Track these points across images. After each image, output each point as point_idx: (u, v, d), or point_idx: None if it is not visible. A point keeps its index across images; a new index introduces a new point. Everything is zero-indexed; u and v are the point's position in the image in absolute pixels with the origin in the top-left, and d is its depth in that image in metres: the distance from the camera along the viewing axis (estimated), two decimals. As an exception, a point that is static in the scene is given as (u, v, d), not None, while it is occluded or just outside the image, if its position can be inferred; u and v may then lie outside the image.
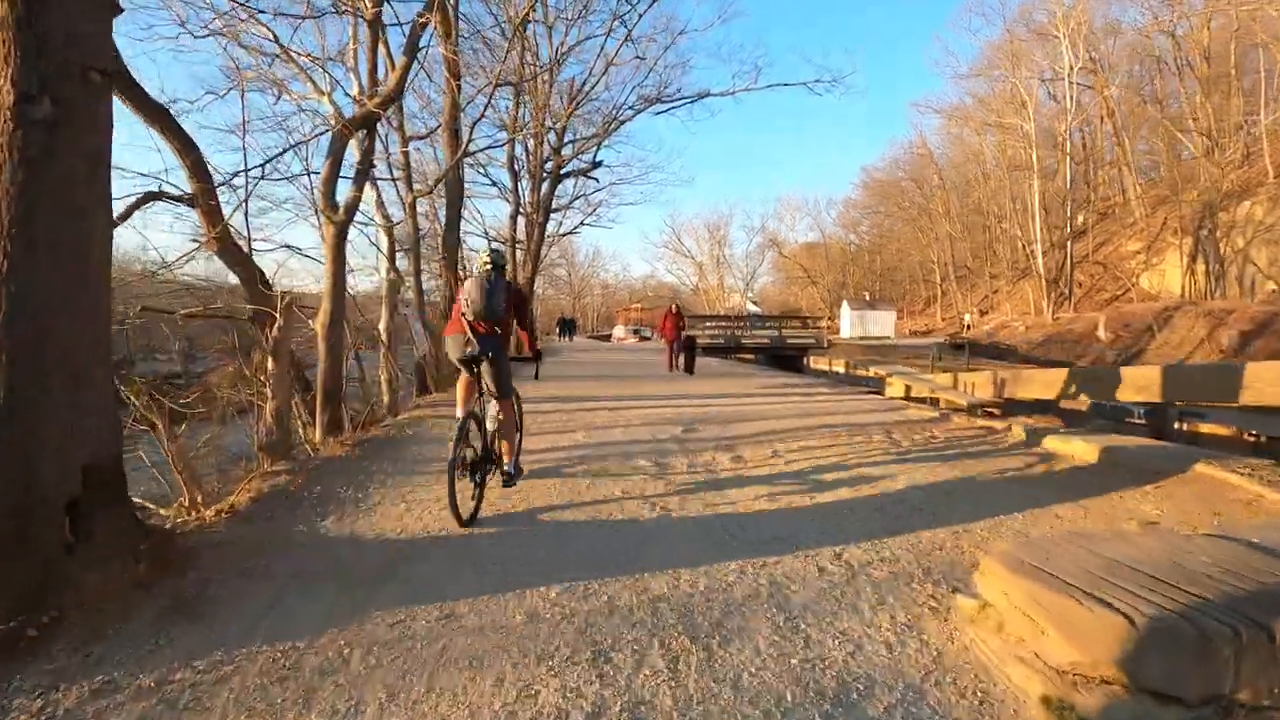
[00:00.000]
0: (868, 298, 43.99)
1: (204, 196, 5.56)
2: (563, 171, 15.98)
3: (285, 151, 5.88)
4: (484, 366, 3.71)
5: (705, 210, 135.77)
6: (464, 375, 3.85)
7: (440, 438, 5.51)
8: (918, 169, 52.96)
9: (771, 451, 4.92)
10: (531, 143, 17.12)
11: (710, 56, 77.79)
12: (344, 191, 6.27)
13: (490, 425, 3.78)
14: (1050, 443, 4.79)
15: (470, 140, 8.57)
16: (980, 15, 75.29)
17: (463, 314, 3.64)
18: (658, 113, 14.40)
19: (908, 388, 7.93)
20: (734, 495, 3.91)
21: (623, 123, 14.90)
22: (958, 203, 50.34)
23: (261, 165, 5.65)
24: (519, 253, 17.91)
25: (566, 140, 16.92)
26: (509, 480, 3.85)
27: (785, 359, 23.04)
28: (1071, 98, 38.18)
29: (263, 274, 6.04)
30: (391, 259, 10.96)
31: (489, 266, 3.81)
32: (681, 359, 11.96)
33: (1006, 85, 45.91)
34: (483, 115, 8.70)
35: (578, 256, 71.47)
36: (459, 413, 3.75)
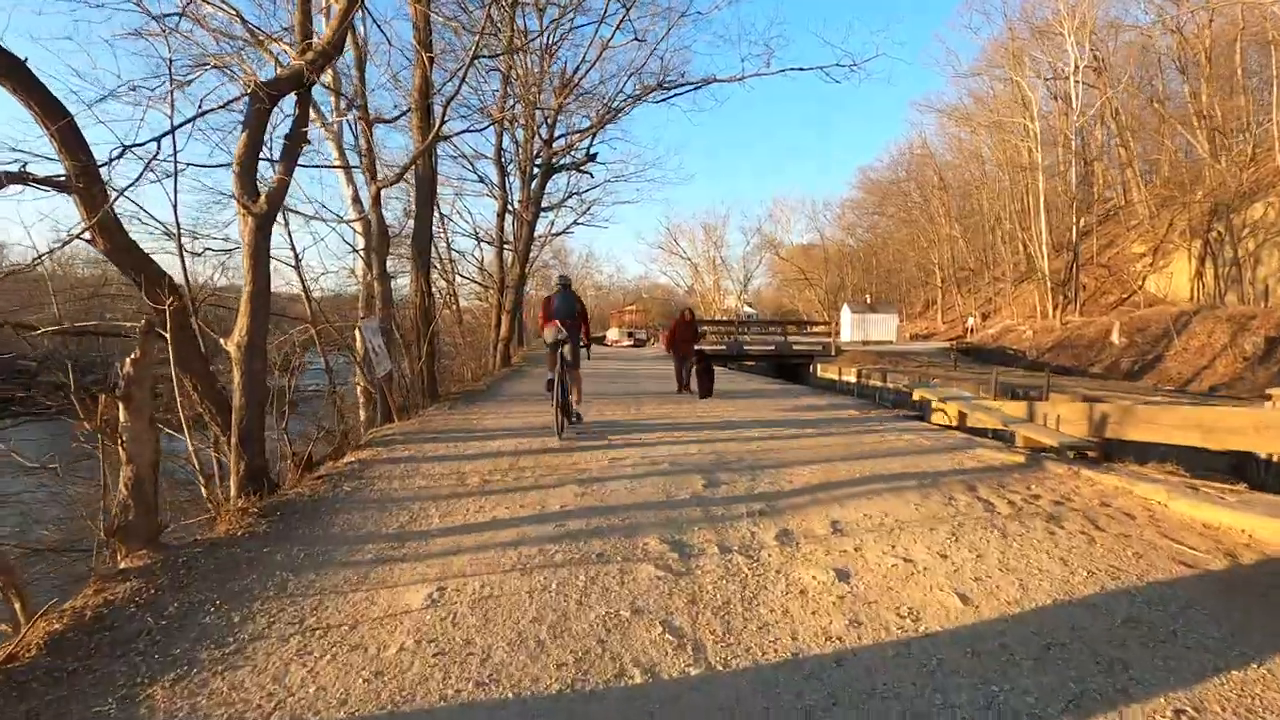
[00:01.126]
0: (868, 300, 42.77)
1: (78, 177, 4.23)
2: (554, 164, 14.63)
3: (189, 122, 4.55)
4: (566, 348, 6.13)
5: (702, 211, 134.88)
6: (550, 353, 6.25)
7: (385, 499, 4.21)
8: (918, 169, 51.93)
9: (830, 524, 3.64)
10: (521, 134, 15.83)
11: (718, 38, 73.62)
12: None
13: (569, 382, 6.21)
14: (1208, 512, 3.55)
15: (444, 121, 7.27)
16: (981, 13, 73.90)
17: (552, 317, 6.30)
18: (659, 100, 13.12)
19: (962, 415, 6.62)
20: (795, 612, 2.64)
21: (619, 111, 13.59)
22: (958, 204, 49.38)
23: (157, 139, 4.33)
24: (507, 253, 16.62)
25: (559, 134, 15.59)
26: (578, 419, 6.54)
27: (790, 368, 21.84)
28: (1077, 96, 37.26)
29: (164, 278, 4.72)
30: (368, 259, 9.66)
31: (562, 287, 6.56)
32: (693, 376, 10.01)
33: (1008, 84, 45.03)
34: (457, 92, 7.41)
35: (570, 258, 70.14)
36: (551, 375, 6.13)
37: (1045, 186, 39.84)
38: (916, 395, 7.40)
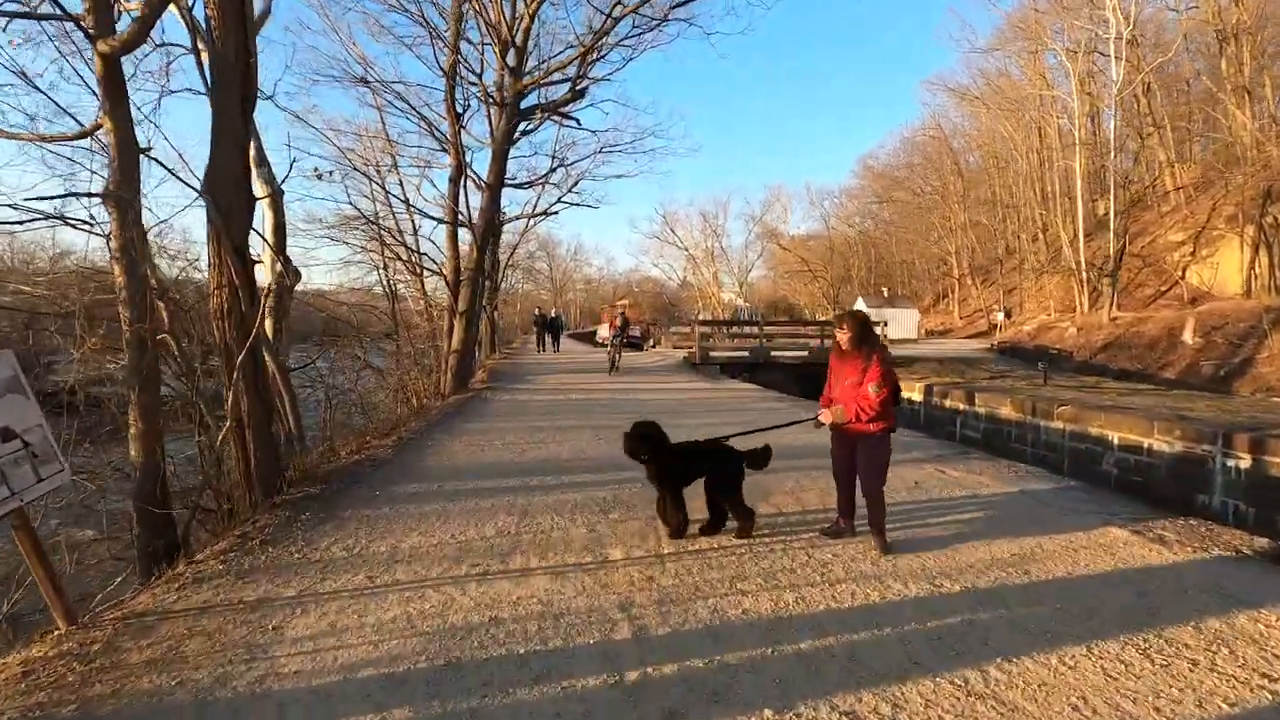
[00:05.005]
0: (885, 294, 38.77)
1: None
2: (525, 104, 10.25)
3: None
4: (620, 342, 17.85)
5: (701, 198, 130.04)
6: (612, 345, 17.75)
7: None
8: (934, 154, 47.96)
9: None
10: (490, 74, 11.49)
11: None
12: None
13: (617, 357, 17.00)
14: None
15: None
16: (1001, -18, 68.65)
17: (615, 326, 18.17)
18: (678, 4, 8.84)
19: None
20: None
21: (617, 22, 9.27)
22: (976, 190, 45.55)
23: None
24: (463, 235, 12.29)
25: (532, 80, 11.10)
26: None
27: (818, 378, 17.68)
28: (1119, 68, 33.48)
29: None
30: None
31: (620, 313, 19.31)
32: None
33: (1028, 60, 41.28)
34: None
35: (559, 250, 65.56)
36: (609, 355, 17.39)
37: (1074, 167, 36.09)
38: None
